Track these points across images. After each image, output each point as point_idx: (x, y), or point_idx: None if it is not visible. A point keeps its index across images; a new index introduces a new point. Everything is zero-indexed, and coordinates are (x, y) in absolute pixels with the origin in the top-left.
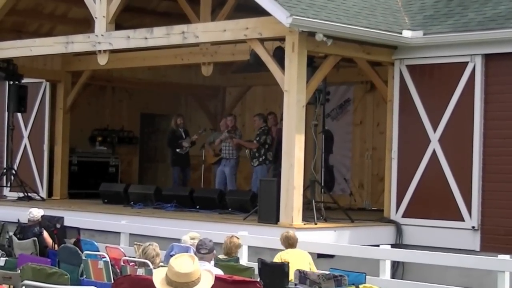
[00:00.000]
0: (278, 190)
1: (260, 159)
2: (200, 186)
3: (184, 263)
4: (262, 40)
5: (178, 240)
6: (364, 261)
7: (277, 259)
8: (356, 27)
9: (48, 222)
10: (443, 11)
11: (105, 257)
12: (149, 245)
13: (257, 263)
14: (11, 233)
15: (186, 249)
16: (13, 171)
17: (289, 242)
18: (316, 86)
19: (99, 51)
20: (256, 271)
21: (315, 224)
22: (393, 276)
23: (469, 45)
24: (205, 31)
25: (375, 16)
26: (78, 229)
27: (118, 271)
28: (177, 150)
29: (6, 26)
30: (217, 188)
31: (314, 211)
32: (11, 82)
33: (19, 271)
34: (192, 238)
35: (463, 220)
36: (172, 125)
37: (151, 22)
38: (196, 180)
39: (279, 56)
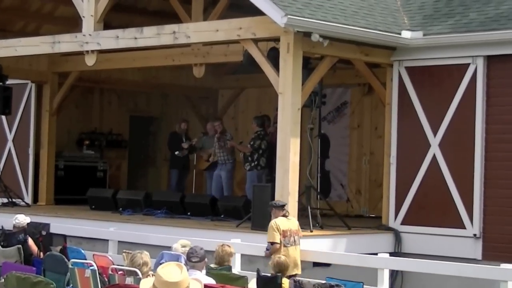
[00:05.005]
0: (273, 196)
1: (252, 164)
2: (192, 192)
3: (172, 272)
4: (256, 41)
5: (169, 248)
6: (362, 270)
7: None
8: (354, 28)
9: (33, 229)
10: (443, 11)
11: (92, 266)
12: (138, 252)
13: (250, 272)
14: None
15: (176, 257)
16: None
17: (280, 269)
18: (312, 88)
19: (87, 51)
20: (250, 281)
21: (311, 231)
22: (392, 285)
23: (471, 46)
24: (197, 31)
25: (373, 16)
26: (64, 236)
27: (106, 280)
28: (176, 152)
29: None
30: (209, 194)
31: (309, 218)
32: None
33: (3, 280)
34: (183, 246)
35: (464, 228)
36: (175, 128)
37: (141, 21)
38: (187, 185)
39: (273, 57)
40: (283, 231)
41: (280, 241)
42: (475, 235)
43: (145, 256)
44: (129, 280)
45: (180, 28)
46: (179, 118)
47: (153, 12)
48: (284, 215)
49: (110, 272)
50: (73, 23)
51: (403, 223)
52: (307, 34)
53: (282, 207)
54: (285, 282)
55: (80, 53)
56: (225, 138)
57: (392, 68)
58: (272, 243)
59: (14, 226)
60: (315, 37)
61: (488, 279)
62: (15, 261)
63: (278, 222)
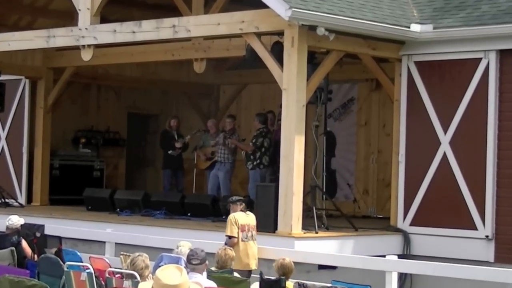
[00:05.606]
0: (276, 196)
1: (255, 163)
2: (192, 192)
3: (172, 275)
4: (259, 35)
5: (168, 250)
6: (369, 272)
7: None
8: (361, 21)
9: (27, 231)
10: (454, 3)
11: (88, 268)
12: (138, 255)
13: (252, 275)
14: None
15: (176, 260)
16: None
17: (284, 272)
18: (317, 84)
19: (83, 46)
20: (252, 284)
21: (316, 233)
22: None
23: (483, 40)
24: (197, 25)
25: (381, 9)
26: (59, 238)
27: (103, 283)
28: (169, 152)
29: None
30: (210, 194)
31: (315, 219)
32: None
33: None
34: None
35: (476, 229)
36: (166, 126)
37: (140, 15)
38: (187, 185)
39: (277, 51)
40: (241, 225)
41: (238, 235)
42: (487, 236)
43: (145, 259)
44: (127, 284)
45: (180, 22)
46: (171, 115)
47: (152, 5)
48: (242, 210)
49: (107, 275)
50: (68, 17)
51: (412, 224)
52: (312, 28)
53: (237, 201)
54: (289, 285)
55: (76, 48)
56: (227, 136)
57: (401, 63)
58: (230, 237)
59: (7, 228)
60: (320, 31)
61: (501, 282)
62: (8, 264)
63: (237, 216)
